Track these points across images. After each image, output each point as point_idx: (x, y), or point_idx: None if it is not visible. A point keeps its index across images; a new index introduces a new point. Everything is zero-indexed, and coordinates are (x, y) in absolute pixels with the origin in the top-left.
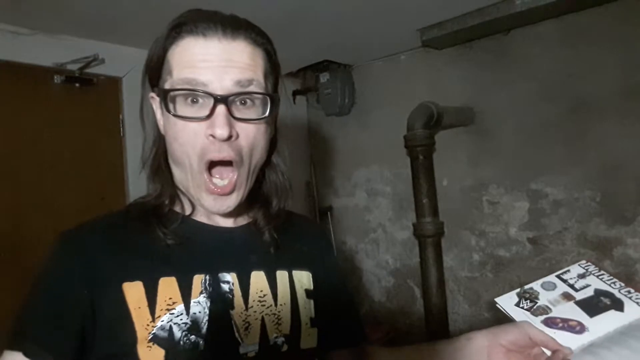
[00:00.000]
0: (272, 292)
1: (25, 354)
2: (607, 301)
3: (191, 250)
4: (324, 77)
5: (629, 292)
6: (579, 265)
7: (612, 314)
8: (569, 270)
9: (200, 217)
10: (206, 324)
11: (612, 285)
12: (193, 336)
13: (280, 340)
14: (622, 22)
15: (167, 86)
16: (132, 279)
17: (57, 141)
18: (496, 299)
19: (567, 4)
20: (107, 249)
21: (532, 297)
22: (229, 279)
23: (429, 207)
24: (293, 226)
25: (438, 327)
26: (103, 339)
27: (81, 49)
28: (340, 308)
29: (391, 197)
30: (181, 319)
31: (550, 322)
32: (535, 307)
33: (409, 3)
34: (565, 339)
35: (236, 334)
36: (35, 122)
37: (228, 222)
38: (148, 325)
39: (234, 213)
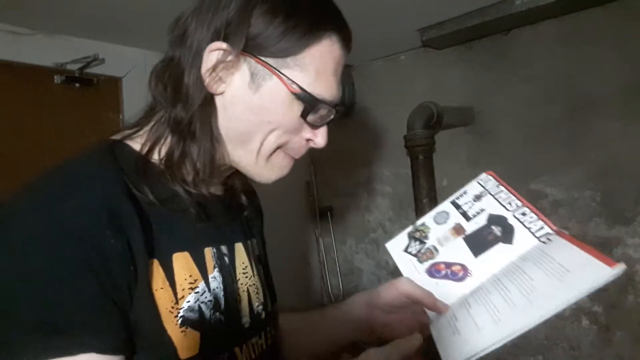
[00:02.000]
0: (249, 262)
1: (103, 351)
2: (497, 231)
3: (192, 220)
4: None
5: (524, 214)
6: (477, 182)
7: (499, 249)
8: (465, 192)
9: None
10: (223, 299)
11: (508, 206)
12: (217, 313)
13: (260, 308)
14: (622, 22)
15: (303, 84)
16: (152, 256)
17: (57, 141)
18: (387, 244)
19: (567, 4)
20: (125, 206)
21: (422, 236)
22: (226, 251)
23: (429, 207)
24: (247, 193)
25: None
26: (133, 321)
27: (81, 49)
28: (267, 269)
29: (391, 197)
30: (206, 297)
31: (434, 270)
32: (422, 250)
33: (409, 3)
34: (447, 289)
35: (238, 308)
36: (35, 122)
37: (218, 189)
38: (173, 307)
39: (219, 183)
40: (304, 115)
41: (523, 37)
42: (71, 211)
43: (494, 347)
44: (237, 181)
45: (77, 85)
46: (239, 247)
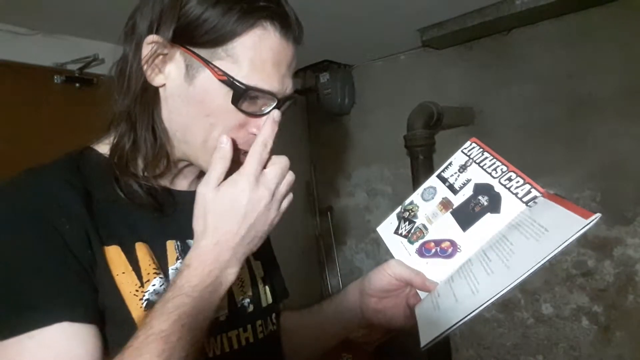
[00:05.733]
0: None
1: (75, 319)
2: (484, 201)
3: (154, 215)
4: (324, 77)
5: (510, 179)
6: (462, 151)
7: (486, 219)
8: (451, 164)
9: (158, 182)
10: None
11: (494, 173)
12: None
13: (247, 301)
14: (622, 22)
15: (236, 74)
16: (109, 243)
17: (57, 141)
18: (377, 228)
19: (567, 4)
20: (79, 205)
21: (410, 215)
22: None
23: None
24: None
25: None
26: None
27: (81, 49)
28: (274, 264)
29: (391, 197)
30: (164, 287)
31: (425, 250)
32: (412, 229)
33: (409, 3)
34: (437, 267)
35: None
36: (35, 122)
37: (184, 186)
38: (137, 291)
39: (191, 177)
40: (234, 102)
41: (523, 37)
42: (29, 203)
43: (468, 318)
44: None
45: (77, 85)
46: None
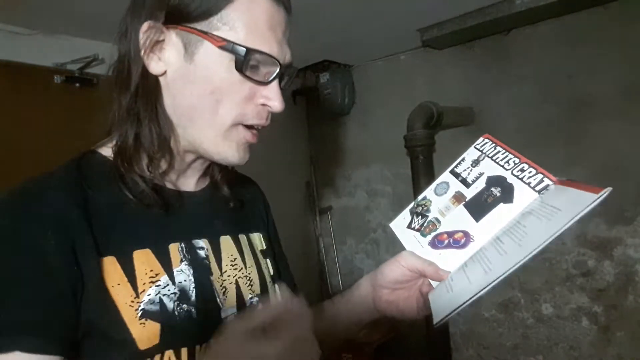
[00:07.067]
0: (240, 255)
1: (28, 350)
2: (497, 192)
3: (158, 217)
4: (324, 77)
5: (522, 170)
6: (475, 147)
7: (499, 209)
8: (464, 159)
9: (163, 181)
10: (194, 291)
11: (506, 165)
12: (185, 305)
13: (255, 300)
14: (622, 22)
15: (233, 39)
16: (106, 253)
17: (57, 141)
18: (391, 224)
19: (567, 4)
20: (75, 213)
21: (423, 210)
22: (203, 245)
23: None
24: (242, 188)
25: (438, 327)
26: (86, 320)
27: (81, 49)
28: (282, 263)
29: (391, 197)
30: (169, 290)
31: (437, 241)
32: (425, 223)
33: (409, 3)
34: (450, 257)
35: (217, 300)
36: (35, 122)
37: (189, 186)
38: (133, 302)
39: (196, 176)
40: (238, 67)
41: (523, 37)
42: (16, 219)
43: (481, 294)
44: (217, 174)
45: (77, 85)
46: (225, 240)
